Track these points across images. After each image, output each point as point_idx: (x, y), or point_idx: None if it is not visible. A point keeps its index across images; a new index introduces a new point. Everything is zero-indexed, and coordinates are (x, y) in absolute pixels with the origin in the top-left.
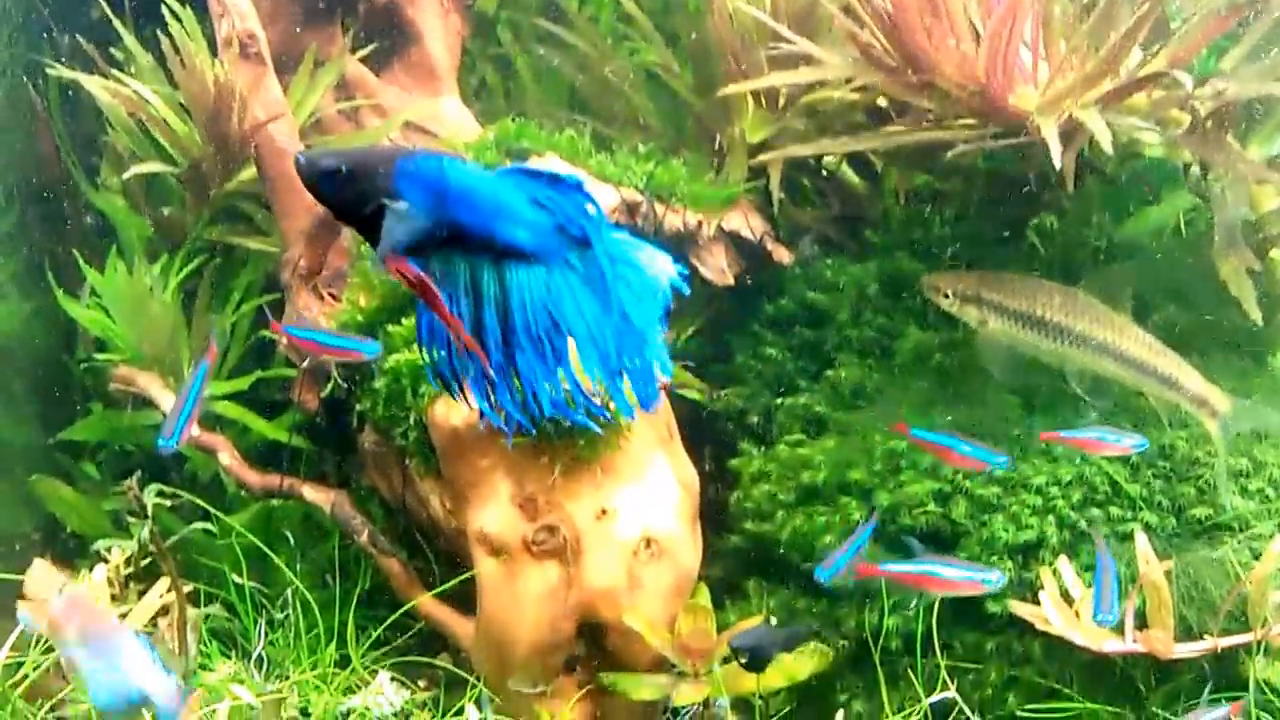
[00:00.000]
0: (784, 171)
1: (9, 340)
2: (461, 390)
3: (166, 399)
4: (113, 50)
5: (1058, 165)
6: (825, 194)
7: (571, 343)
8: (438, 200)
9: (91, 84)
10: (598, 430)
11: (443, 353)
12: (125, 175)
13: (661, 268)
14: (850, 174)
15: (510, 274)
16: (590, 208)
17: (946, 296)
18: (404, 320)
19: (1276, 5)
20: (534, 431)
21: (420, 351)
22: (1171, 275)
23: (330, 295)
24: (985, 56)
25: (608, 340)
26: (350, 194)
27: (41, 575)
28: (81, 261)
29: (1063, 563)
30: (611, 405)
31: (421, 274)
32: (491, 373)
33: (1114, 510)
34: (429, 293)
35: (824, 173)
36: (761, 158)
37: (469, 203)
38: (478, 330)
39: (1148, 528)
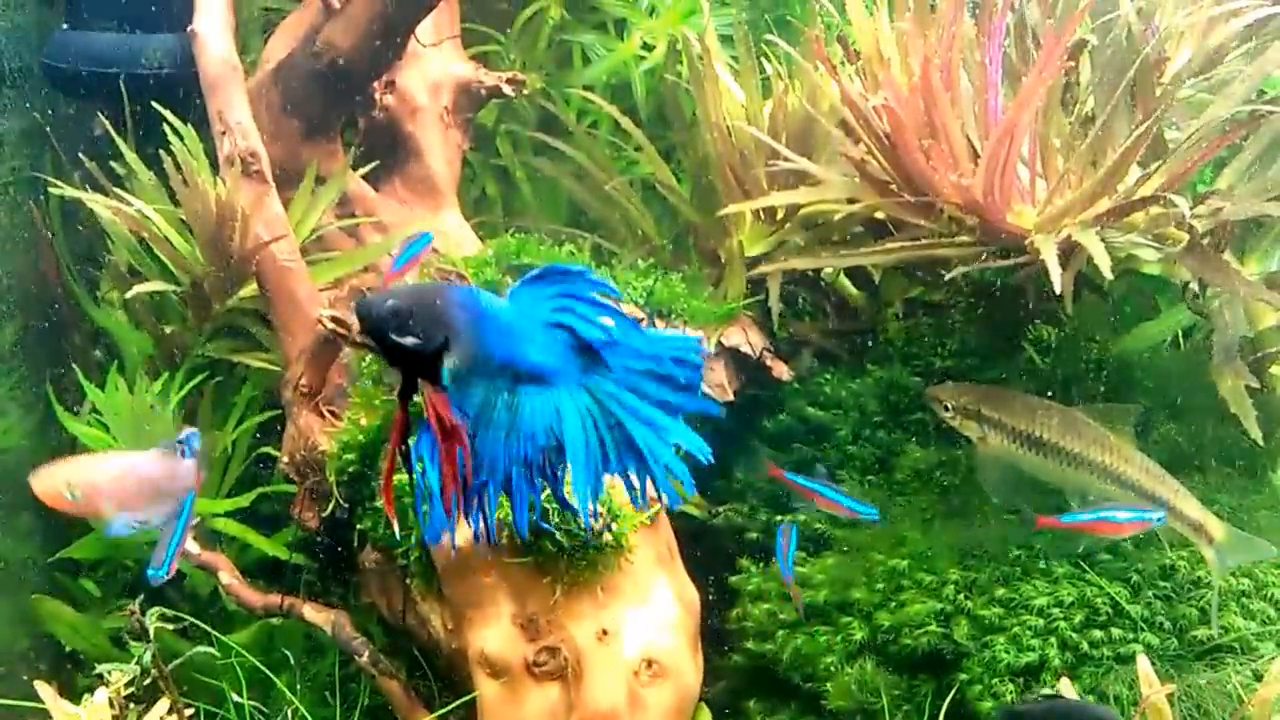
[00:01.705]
0: (782, 285)
1: (9, 456)
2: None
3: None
4: (114, 166)
5: (1057, 288)
6: (824, 307)
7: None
8: (475, 333)
9: (94, 202)
10: (594, 544)
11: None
12: (128, 295)
13: (686, 352)
14: (849, 285)
15: (523, 399)
16: (604, 297)
17: (947, 409)
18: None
19: (1275, 122)
20: (529, 542)
21: (416, 468)
22: (1170, 391)
23: (331, 413)
24: (983, 176)
25: (621, 450)
26: (414, 335)
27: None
28: (82, 378)
29: (1065, 684)
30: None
31: (459, 424)
32: (468, 498)
33: (1115, 631)
34: (454, 438)
35: (822, 284)
36: (760, 269)
37: (497, 332)
38: (475, 453)
39: (1149, 649)
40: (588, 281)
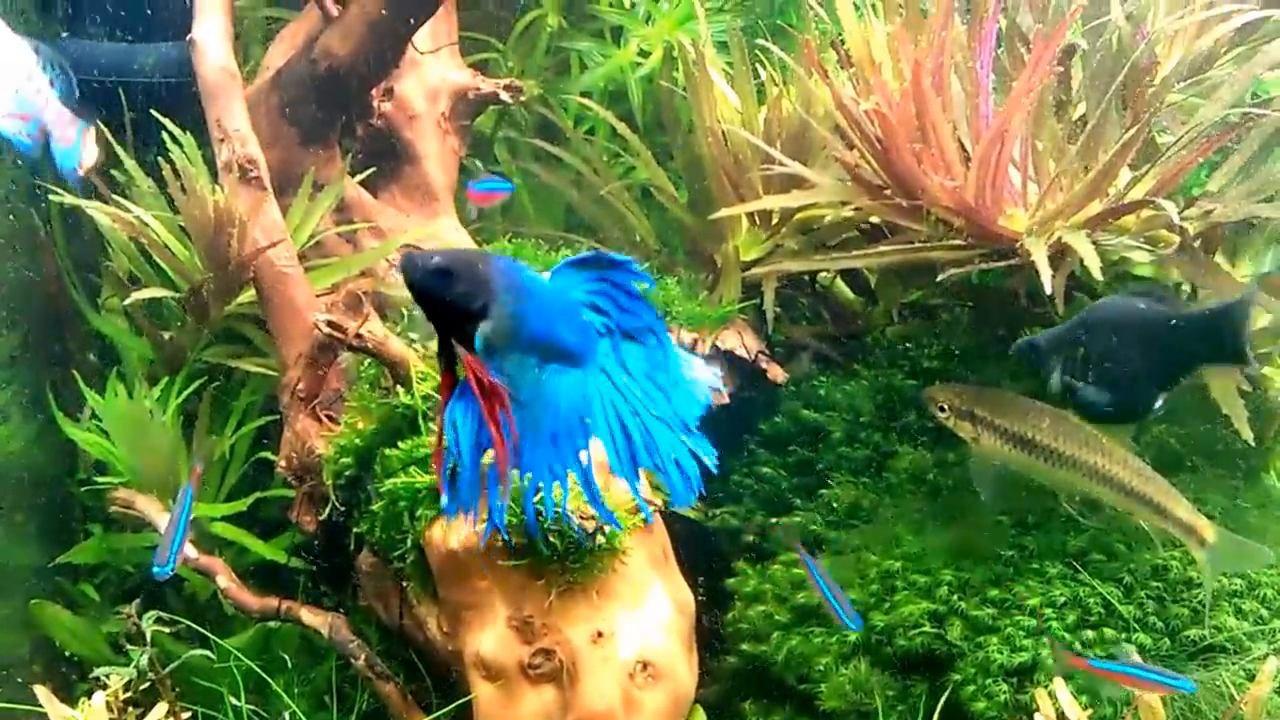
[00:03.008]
0: (778, 288)
1: (9, 462)
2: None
3: (165, 522)
4: (114, 174)
5: (1048, 290)
6: (819, 310)
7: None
8: (514, 304)
9: (93, 209)
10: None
11: (465, 460)
12: (127, 302)
13: (700, 372)
14: (844, 289)
15: (550, 377)
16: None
17: (942, 410)
18: (401, 444)
19: (1265, 125)
20: (525, 544)
21: (439, 451)
22: None
23: (328, 418)
24: (974, 180)
25: (638, 440)
26: (461, 293)
27: None
28: (82, 384)
29: (1059, 685)
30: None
31: (498, 384)
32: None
33: (1108, 631)
34: (497, 403)
35: (817, 288)
36: (754, 271)
37: (537, 305)
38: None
39: (1142, 649)
40: (631, 273)
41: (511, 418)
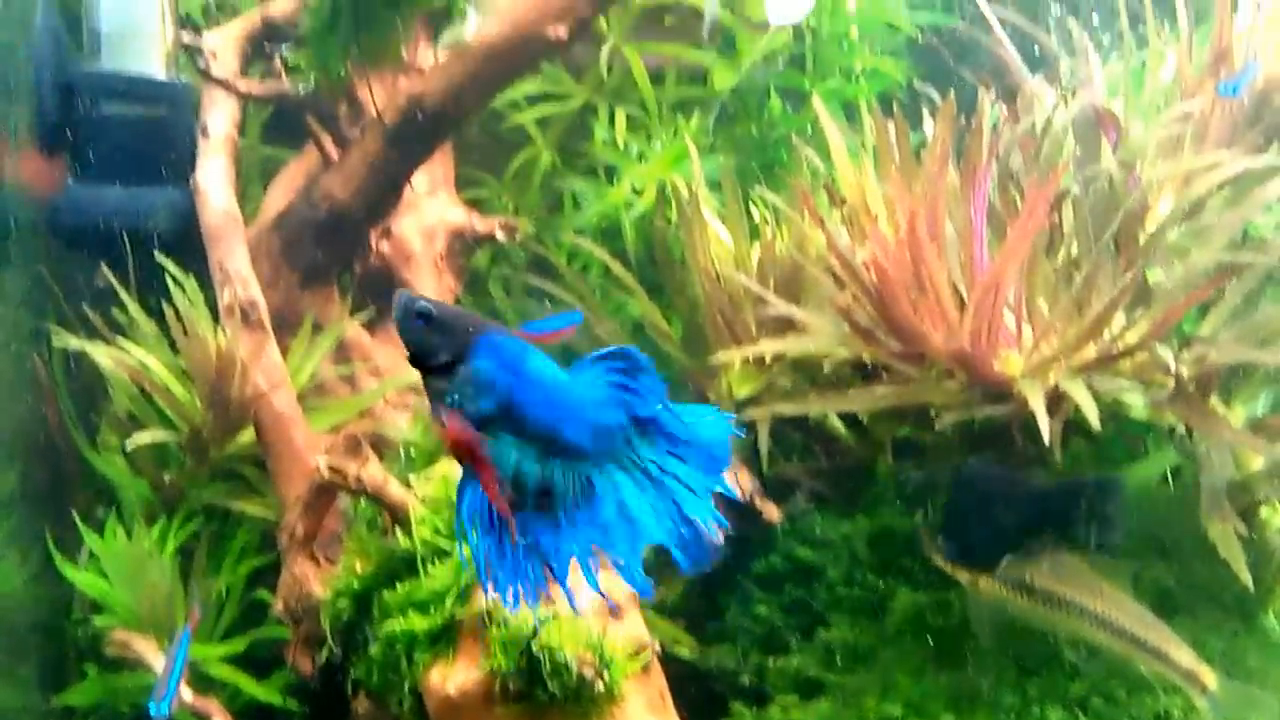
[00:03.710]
0: (772, 425)
1: (8, 603)
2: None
3: (162, 663)
4: (116, 314)
5: (1045, 438)
6: (813, 447)
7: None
8: (510, 380)
9: (96, 352)
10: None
11: (487, 539)
12: (128, 445)
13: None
14: (838, 425)
15: (555, 469)
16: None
17: (940, 553)
18: (398, 586)
19: (1256, 267)
20: (523, 690)
21: (460, 536)
22: (1160, 532)
23: (326, 559)
24: (970, 325)
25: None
26: (431, 340)
27: None
28: (81, 524)
29: None
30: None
31: (477, 437)
32: (517, 542)
33: None
34: (479, 459)
35: (811, 424)
36: (749, 413)
37: (541, 395)
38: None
39: None
40: (648, 372)
41: (490, 469)
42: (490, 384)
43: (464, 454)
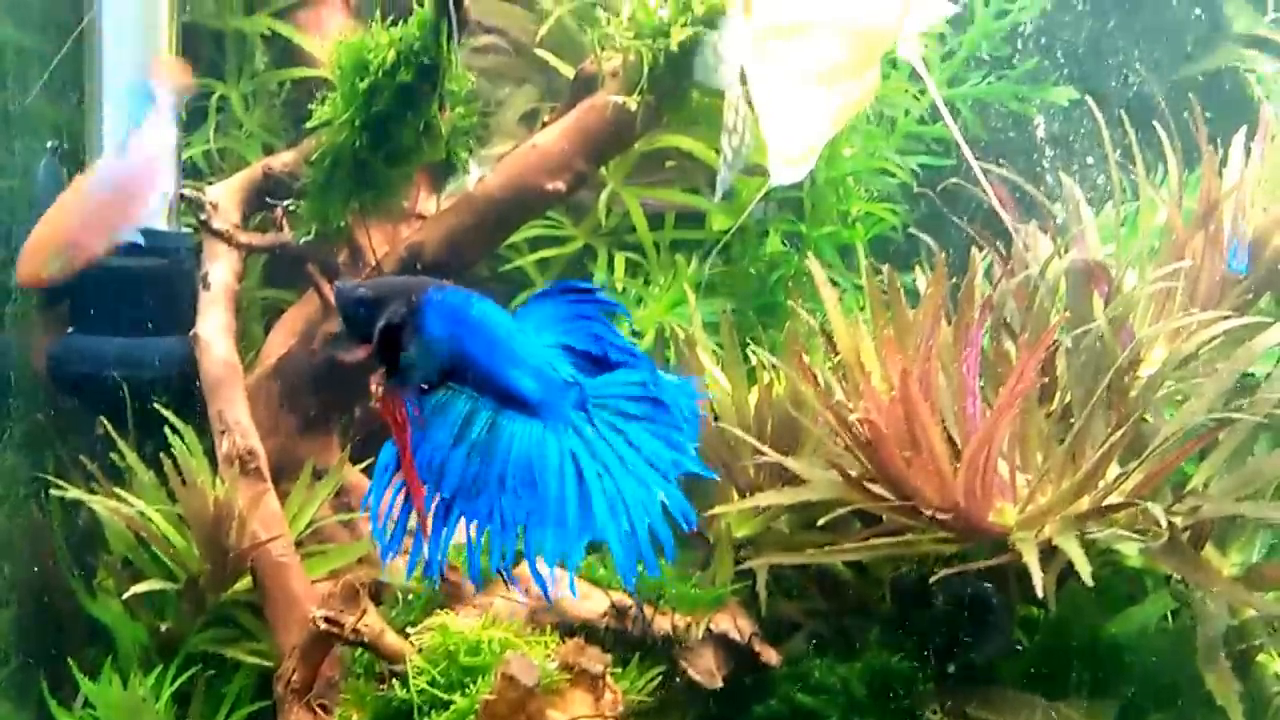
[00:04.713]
0: (771, 566)
1: None
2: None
3: None
4: (115, 462)
5: (1039, 592)
6: (810, 589)
7: None
8: (455, 332)
9: (94, 503)
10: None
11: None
12: (125, 596)
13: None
14: (837, 563)
15: (505, 422)
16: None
17: (935, 713)
18: None
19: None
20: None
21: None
22: (1157, 676)
23: (321, 707)
24: (964, 479)
25: (599, 504)
26: (371, 320)
27: None
28: (76, 670)
29: None
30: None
31: (404, 418)
32: (426, 514)
33: None
34: (401, 436)
35: (809, 566)
36: (747, 564)
37: (485, 341)
38: (441, 467)
39: None
40: (599, 302)
41: (408, 449)
42: (438, 341)
43: (392, 426)
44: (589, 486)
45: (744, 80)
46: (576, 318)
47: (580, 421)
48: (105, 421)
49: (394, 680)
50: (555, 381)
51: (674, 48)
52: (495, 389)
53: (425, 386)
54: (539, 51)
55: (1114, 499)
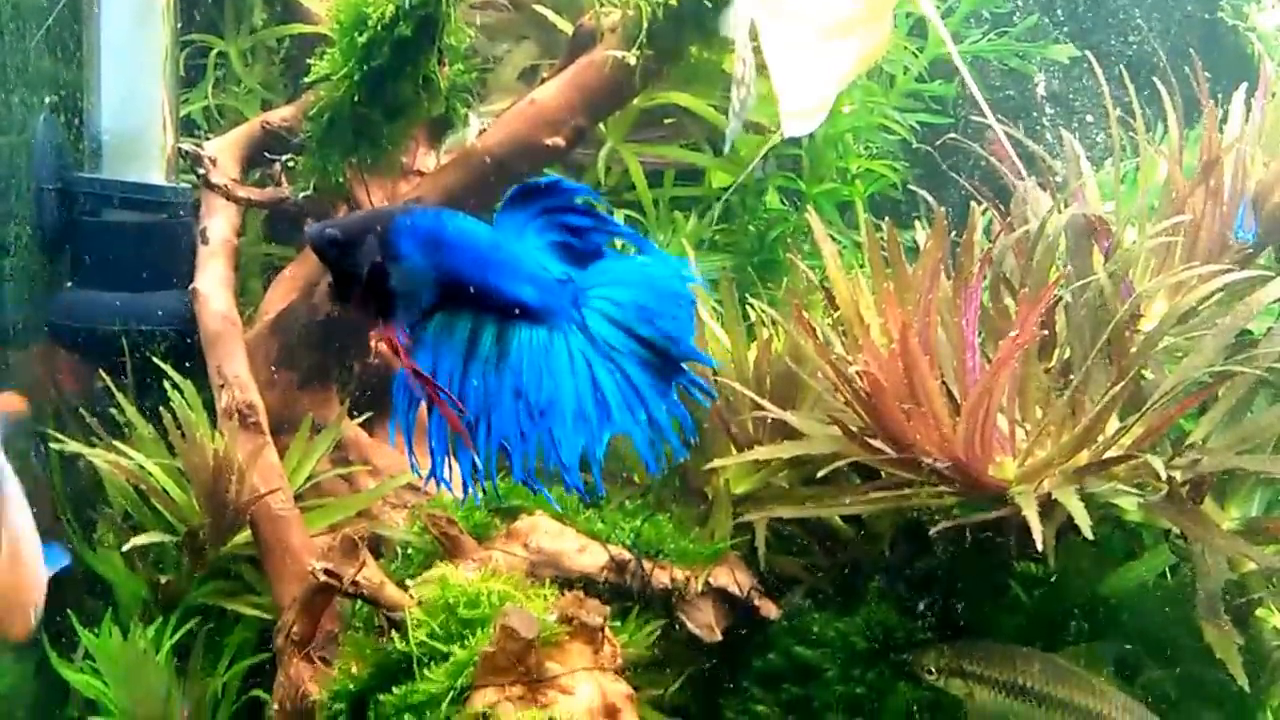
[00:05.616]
0: (770, 522)
1: (3, 704)
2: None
3: None
4: (115, 417)
5: (1039, 545)
6: (810, 543)
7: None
8: (435, 255)
9: (94, 455)
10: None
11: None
12: (125, 548)
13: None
14: (836, 519)
15: (512, 333)
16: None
17: (931, 673)
18: (395, 690)
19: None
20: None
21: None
22: (1156, 632)
23: (322, 660)
24: (963, 434)
25: (613, 400)
26: (351, 260)
27: None
28: (77, 623)
29: None
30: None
31: (404, 347)
32: (462, 430)
33: None
34: (419, 375)
35: (809, 519)
36: (746, 518)
37: (471, 258)
38: (461, 389)
39: None
40: (566, 190)
41: (415, 376)
42: (419, 269)
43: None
44: (601, 381)
45: (754, 35)
46: (551, 212)
47: (585, 316)
48: (105, 375)
49: (393, 632)
50: (550, 283)
51: (673, 2)
52: (495, 303)
53: (423, 313)
54: (537, 7)
55: (1113, 453)
